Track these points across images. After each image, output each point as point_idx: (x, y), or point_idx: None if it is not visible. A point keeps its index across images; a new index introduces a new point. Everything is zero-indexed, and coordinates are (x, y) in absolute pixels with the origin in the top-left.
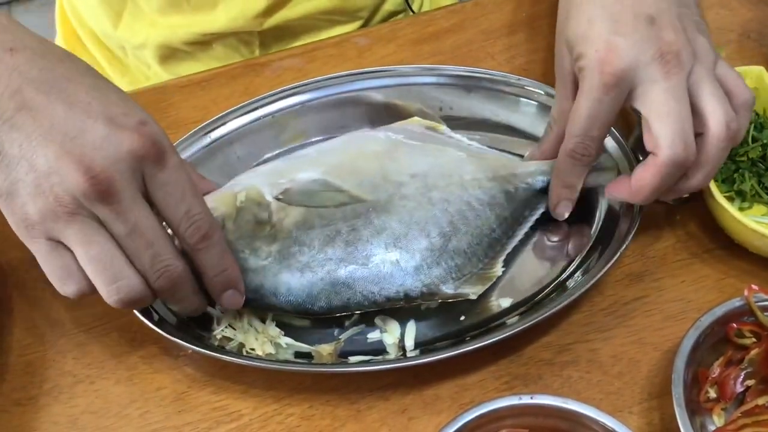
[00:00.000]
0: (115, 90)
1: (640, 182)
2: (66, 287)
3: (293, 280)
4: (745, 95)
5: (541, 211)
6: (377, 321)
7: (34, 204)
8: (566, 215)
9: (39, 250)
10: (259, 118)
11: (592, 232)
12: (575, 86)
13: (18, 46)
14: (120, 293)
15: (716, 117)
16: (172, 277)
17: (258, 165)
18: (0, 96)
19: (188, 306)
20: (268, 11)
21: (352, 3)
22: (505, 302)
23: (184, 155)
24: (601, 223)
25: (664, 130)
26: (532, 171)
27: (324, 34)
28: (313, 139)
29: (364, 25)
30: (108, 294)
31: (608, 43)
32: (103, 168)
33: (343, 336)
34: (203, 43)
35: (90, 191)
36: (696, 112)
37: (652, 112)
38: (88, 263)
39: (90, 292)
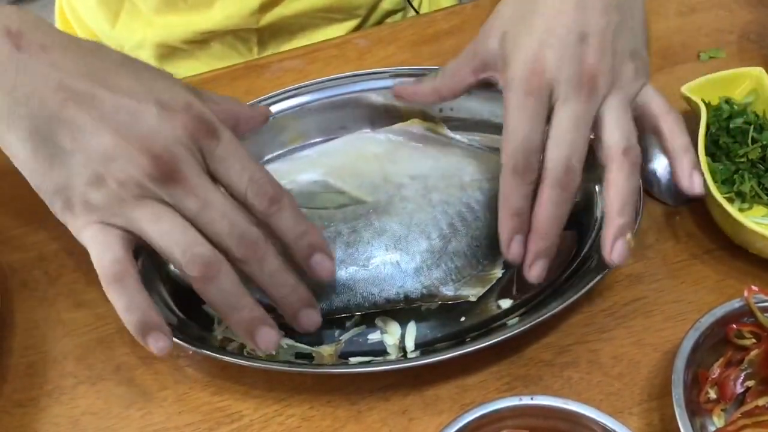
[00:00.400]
0: (155, 73)
1: (542, 216)
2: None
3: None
4: (672, 114)
5: None
6: (378, 322)
7: (97, 192)
8: (542, 275)
9: (95, 235)
10: None
11: (591, 232)
12: (484, 68)
13: (49, 43)
14: (197, 259)
15: (614, 144)
16: (254, 241)
17: None
18: (42, 92)
19: (286, 288)
20: (264, 7)
21: (349, 1)
22: (506, 303)
23: None
24: (600, 223)
25: (553, 155)
26: None
27: (322, 33)
28: (314, 141)
29: (361, 24)
30: (186, 264)
31: (536, 54)
32: (164, 148)
33: (344, 337)
34: (201, 41)
35: (156, 172)
36: (599, 140)
37: (551, 133)
38: (160, 238)
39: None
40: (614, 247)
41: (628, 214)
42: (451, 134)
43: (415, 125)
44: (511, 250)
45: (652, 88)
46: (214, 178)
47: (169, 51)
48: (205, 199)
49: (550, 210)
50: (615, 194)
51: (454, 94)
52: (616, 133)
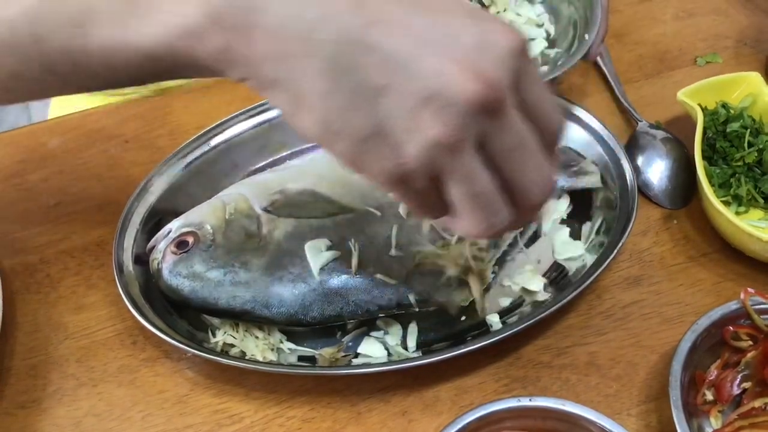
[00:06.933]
0: None
1: None
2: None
3: (285, 292)
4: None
5: None
6: (379, 323)
7: (413, 142)
8: None
9: (405, 195)
10: (259, 124)
11: (588, 234)
12: None
13: None
14: (492, 229)
15: None
16: (552, 187)
17: (247, 176)
18: (341, 14)
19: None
20: None
21: None
22: (505, 302)
23: (185, 161)
24: (597, 225)
25: None
26: None
27: None
28: (298, 149)
29: None
30: (478, 231)
31: None
32: (494, 71)
33: (346, 339)
34: None
35: (485, 102)
36: None
37: None
38: (468, 200)
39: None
40: None
41: None
42: None
43: None
44: None
45: None
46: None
47: None
48: (522, 135)
49: None
50: None
51: None
52: None
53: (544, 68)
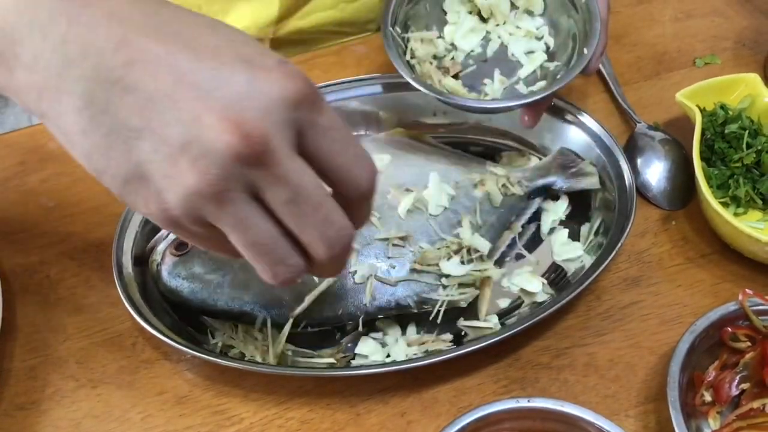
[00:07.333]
0: (235, 29)
1: None
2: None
3: (284, 293)
4: None
5: (527, 216)
6: (378, 324)
7: (172, 190)
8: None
9: (188, 239)
10: None
11: (587, 235)
12: None
13: None
14: (280, 277)
15: None
16: (348, 242)
17: None
18: (101, 51)
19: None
20: (280, 19)
21: (362, 15)
22: (504, 303)
23: None
24: (596, 226)
25: None
26: (517, 177)
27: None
28: None
29: None
30: (267, 277)
31: None
32: (256, 122)
33: (345, 340)
34: None
35: (244, 154)
36: None
37: None
38: (246, 249)
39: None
40: None
41: None
42: (435, 142)
43: (399, 134)
44: None
45: None
46: (314, 153)
47: None
48: (297, 187)
49: None
50: None
51: None
52: None
53: (542, 83)
